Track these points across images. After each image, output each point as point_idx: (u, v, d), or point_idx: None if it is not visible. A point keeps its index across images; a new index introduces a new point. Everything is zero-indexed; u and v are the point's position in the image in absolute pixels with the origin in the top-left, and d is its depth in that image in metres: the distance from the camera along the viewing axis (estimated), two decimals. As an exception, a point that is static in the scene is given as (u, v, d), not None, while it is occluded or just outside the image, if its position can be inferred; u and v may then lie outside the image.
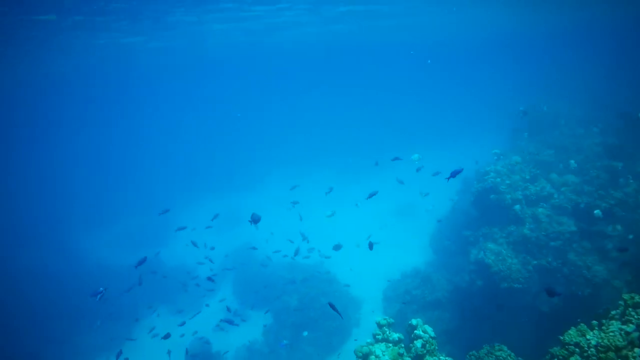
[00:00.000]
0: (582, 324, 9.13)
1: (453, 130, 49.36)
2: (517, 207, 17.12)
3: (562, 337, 9.09)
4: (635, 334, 7.98)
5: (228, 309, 22.24)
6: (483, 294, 17.39)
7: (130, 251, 33.91)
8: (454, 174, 11.47)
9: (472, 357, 11.40)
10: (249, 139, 60.50)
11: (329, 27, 39.02)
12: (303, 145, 52.97)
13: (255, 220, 12.81)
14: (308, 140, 54.64)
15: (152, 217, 30.40)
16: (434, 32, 53.75)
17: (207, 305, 26.53)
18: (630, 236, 16.29)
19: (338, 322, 23.18)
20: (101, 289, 15.70)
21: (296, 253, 22.56)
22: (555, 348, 9.24)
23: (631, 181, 18.63)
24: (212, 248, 27.56)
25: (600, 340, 8.13)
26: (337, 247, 21.67)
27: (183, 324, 22.08)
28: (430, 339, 10.24)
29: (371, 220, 35.15)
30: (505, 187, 17.60)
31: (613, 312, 9.08)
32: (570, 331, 9.13)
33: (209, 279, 19.44)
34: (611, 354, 7.86)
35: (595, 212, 16.40)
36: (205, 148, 59.90)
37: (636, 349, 7.54)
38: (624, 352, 7.73)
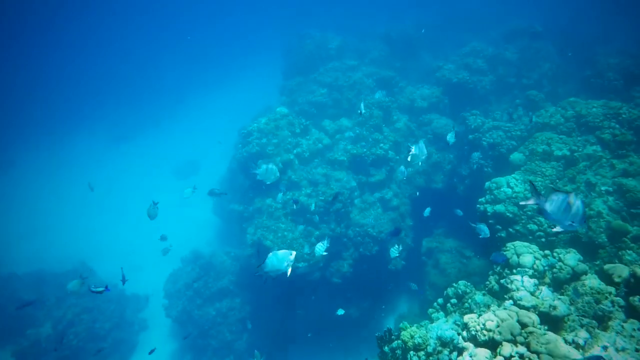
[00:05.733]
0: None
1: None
2: (290, 171, 14.16)
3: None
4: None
5: None
6: (267, 279, 14.54)
7: None
8: None
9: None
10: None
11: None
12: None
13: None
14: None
15: None
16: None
17: None
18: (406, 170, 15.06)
19: (122, 335, 18.52)
20: None
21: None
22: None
23: (400, 115, 17.49)
24: None
25: None
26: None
27: None
28: None
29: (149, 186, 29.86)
30: (273, 147, 14.39)
31: (394, 345, 6.50)
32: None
33: None
34: None
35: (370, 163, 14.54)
36: None
37: None
38: None
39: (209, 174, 28.30)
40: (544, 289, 5.40)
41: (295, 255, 13.80)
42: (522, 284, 5.41)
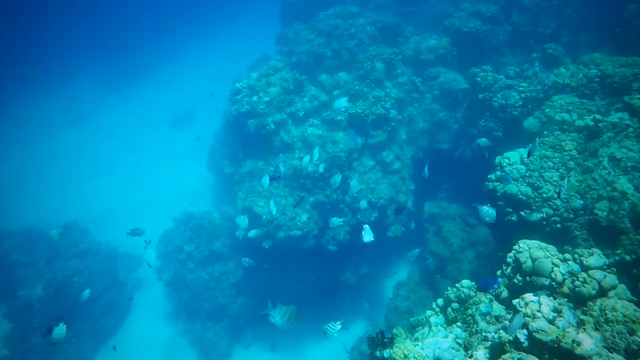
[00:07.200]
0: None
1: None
2: (283, 132, 13.09)
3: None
4: None
5: None
6: (260, 246, 13.91)
7: None
8: None
9: None
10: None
11: None
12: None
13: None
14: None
15: None
16: None
17: None
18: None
19: (114, 298, 18.30)
20: None
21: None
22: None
23: (404, 68, 16.08)
24: None
25: None
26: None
27: None
28: None
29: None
30: (264, 106, 13.20)
31: (386, 356, 5.78)
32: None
33: None
34: None
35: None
36: None
37: None
38: None
39: (205, 126, 27.09)
40: (565, 311, 4.54)
41: (289, 224, 13.06)
42: (538, 307, 4.56)
